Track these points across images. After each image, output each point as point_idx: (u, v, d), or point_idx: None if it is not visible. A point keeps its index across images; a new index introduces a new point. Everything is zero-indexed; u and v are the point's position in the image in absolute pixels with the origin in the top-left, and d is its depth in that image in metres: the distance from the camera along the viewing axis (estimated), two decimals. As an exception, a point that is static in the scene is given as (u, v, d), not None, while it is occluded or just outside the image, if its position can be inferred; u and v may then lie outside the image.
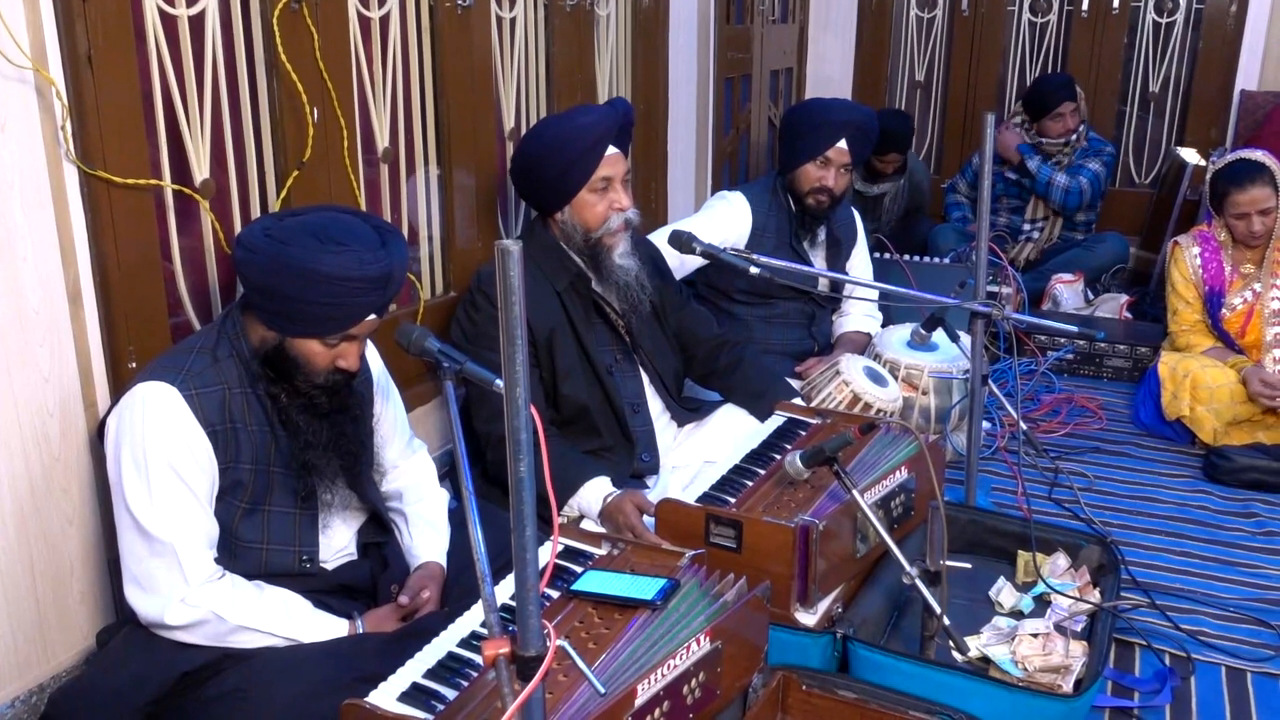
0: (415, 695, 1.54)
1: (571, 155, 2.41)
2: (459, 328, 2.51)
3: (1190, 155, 4.69)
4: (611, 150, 2.45)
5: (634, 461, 2.51)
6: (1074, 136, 4.48)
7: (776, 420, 2.54)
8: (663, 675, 1.55)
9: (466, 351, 2.39)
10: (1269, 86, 4.90)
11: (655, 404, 2.62)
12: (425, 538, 2.05)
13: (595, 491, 2.33)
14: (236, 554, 1.83)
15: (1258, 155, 3.26)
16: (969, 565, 2.14)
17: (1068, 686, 1.94)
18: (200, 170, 2.07)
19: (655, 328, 2.64)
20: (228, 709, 1.67)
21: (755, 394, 2.70)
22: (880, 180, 4.60)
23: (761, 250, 2.83)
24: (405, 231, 2.68)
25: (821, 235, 3.28)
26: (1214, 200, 3.30)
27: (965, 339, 2.52)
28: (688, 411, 2.69)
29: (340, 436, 1.89)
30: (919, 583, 1.95)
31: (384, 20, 2.51)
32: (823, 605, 2.05)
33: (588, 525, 2.26)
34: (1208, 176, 3.37)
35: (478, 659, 1.61)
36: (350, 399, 1.91)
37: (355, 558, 2.01)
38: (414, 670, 1.59)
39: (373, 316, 1.82)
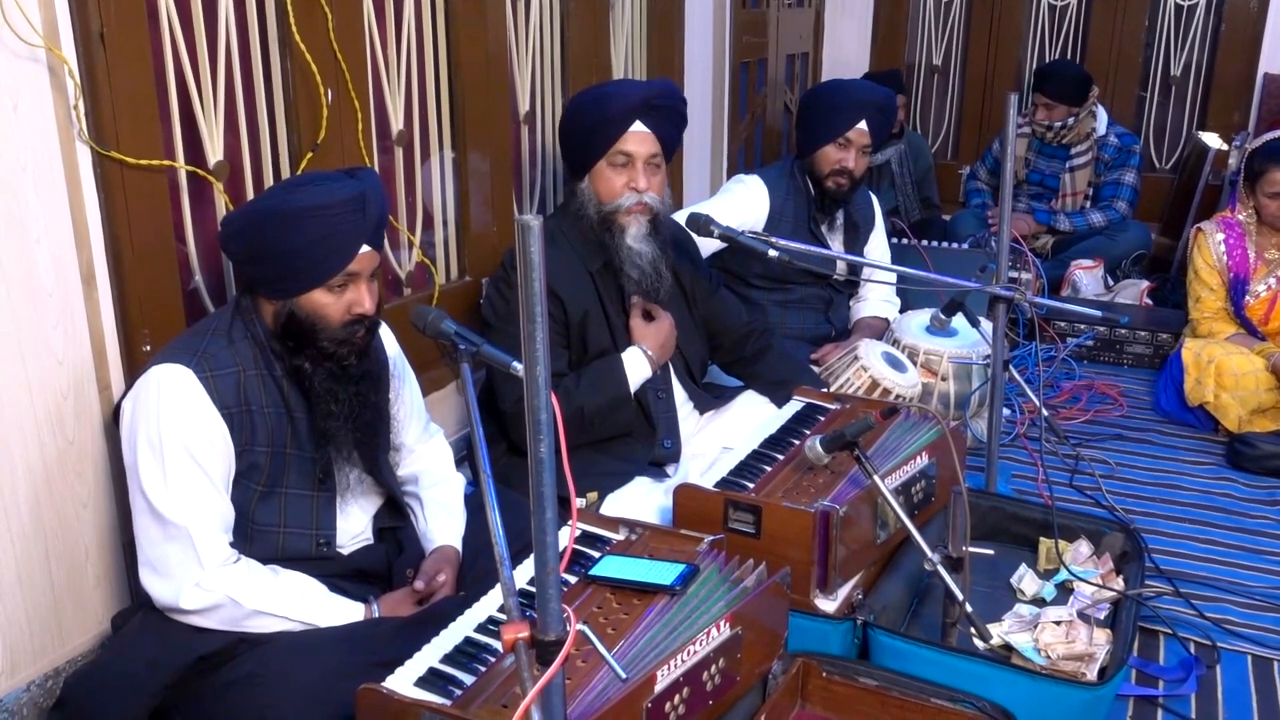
0: (432, 680, 1.53)
1: (595, 121, 2.40)
2: (490, 306, 2.49)
3: (1212, 140, 4.63)
4: (639, 128, 2.41)
5: (655, 449, 2.48)
6: (1064, 125, 4.40)
7: (795, 405, 2.51)
8: (682, 661, 1.53)
9: (497, 331, 2.38)
10: (1292, 70, 4.83)
11: (679, 391, 2.60)
12: (441, 522, 2.03)
13: (632, 357, 2.44)
14: (253, 538, 1.81)
15: None
16: (991, 552, 2.11)
17: (1092, 675, 1.91)
18: (214, 152, 2.06)
19: (684, 313, 2.61)
20: (243, 694, 1.66)
21: (778, 382, 2.68)
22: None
23: (779, 234, 2.79)
24: (420, 216, 2.66)
25: (840, 219, 3.24)
26: (1248, 178, 3.26)
27: (985, 324, 2.48)
28: (710, 398, 2.67)
29: (362, 405, 1.87)
30: (941, 569, 1.92)
31: (398, 1, 2.48)
32: (843, 591, 2.02)
33: (607, 511, 2.24)
34: (1247, 149, 3.33)
35: (495, 644, 1.60)
36: (375, 365, 1.91)
37: (371, 542, 2.00)
38: (431, 655, 1.58)
39: (367, 249, 1.79)
